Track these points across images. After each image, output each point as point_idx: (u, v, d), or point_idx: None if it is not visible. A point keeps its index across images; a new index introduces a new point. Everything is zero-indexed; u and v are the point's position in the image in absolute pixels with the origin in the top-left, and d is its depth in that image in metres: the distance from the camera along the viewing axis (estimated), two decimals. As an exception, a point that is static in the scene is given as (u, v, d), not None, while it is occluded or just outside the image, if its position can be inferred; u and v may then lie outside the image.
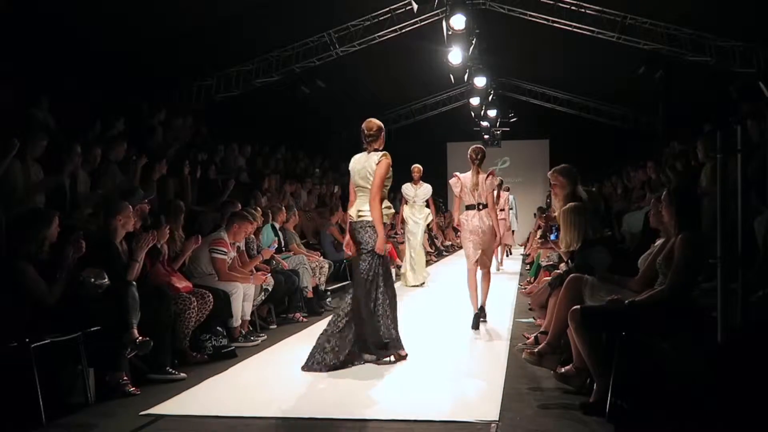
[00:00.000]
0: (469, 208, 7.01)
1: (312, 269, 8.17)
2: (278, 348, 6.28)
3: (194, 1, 10.32)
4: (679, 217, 4.05)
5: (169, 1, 9.93)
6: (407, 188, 10.86)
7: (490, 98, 16.77)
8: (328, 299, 8.50)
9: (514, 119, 18.67)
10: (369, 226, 5.45)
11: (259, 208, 7.77)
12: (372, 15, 12.63)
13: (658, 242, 4.53)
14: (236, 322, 6.28)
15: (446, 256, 16.28)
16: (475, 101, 16.38)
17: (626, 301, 4.04)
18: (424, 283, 10.65)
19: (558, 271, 5.85)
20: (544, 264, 8.48)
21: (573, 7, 12.40)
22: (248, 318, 6.55)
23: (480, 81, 14.59)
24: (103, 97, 9.56)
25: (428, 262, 13.06)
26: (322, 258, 8.86)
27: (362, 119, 5.69)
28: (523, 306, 8.15)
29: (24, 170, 5.86)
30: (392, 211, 5.81)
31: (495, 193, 7.92)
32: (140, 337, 4.68)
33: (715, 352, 3.54)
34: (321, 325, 6.73)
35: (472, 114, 17.32)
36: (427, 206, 11.00)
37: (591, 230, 5.05)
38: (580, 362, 4.26)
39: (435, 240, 16.04)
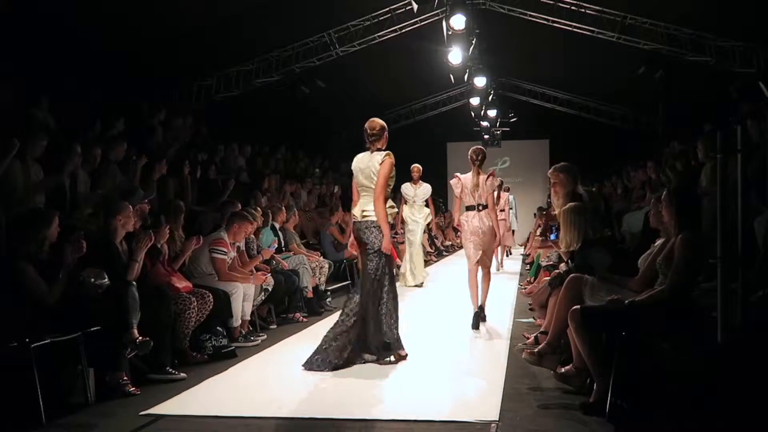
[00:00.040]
0: (469, 208, 7.01)
1: (312, 269, 8.18)
2: (278, 348, 6.28)
3: (194, 1, 10.31)
4: (679, 217, 4.05)
5: (169, 1, 9.92)
6: (407, 188, 10.85)
7: (490, 98, 16.77)
8: (328, 299, 8.51)
9: (514, 119, 18.67)
10: (374, 226, 5.43)
11: (259, 208, 7.77)
12: (372, 15, 12.61)
13: (658, 242, 4.52)
14: (236, 322, 6.28)
15: (446, 256, 16.27)
16: (475, 101, 16.39)
17: (626, 301, 4.03)
18: (422, 283, 10.64)
19: (558, 271, 5.84)
20: (544, 264, 8.47)
21: (573, 7, 12.39)
22: (248, 318, 6.55)
23: (480, 81, 14.60)
24: (103, 97, 9.55)
25: (428, 262, 13.06)
26: (322, 258, 8.86)
27: (362, 119, 5.66)
28: (523, 306, 8.15)
29: (24, 170, 5.86)
30: (396, 210, 5.79)
31: (495, 193, 7.93)
32: (140, 337, 4.68)
33: (715, 352, 3.55)
34: (321, 325, 6.74)
35: (472, 114, 17.32)
36: (427, 206, 11.00)
37: (591, 230, 5.05)
38: (580, 362, 4.25)
39: (435, 240, 16.03)
